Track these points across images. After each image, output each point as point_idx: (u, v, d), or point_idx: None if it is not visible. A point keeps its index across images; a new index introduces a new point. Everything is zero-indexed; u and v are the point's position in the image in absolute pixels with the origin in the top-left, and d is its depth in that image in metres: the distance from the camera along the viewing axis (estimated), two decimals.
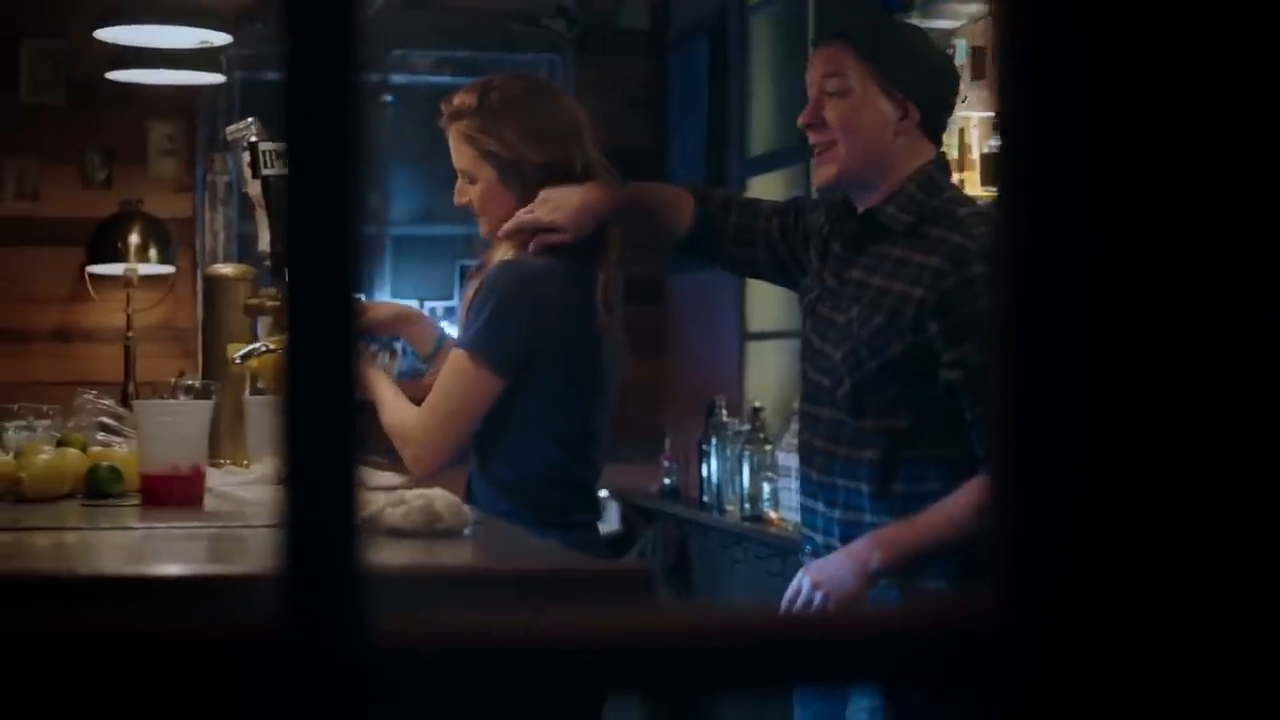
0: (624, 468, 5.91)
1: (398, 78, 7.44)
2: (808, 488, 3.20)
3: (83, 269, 6.81)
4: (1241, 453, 0.92)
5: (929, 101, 3.11)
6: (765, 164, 6.60)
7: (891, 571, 2.97)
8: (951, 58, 3.27)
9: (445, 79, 7.32)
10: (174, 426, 3.05)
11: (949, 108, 3.19)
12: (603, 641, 0.89)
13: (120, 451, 3.29)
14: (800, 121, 3.15)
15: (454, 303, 7.49)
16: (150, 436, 3.05)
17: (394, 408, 3.42)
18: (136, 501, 3.05)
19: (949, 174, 3.20)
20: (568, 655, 0.86)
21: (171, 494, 3.00)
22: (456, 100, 3.49)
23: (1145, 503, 0.92)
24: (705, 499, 6.25)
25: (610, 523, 6.68)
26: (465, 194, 3.50)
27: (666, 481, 6.81)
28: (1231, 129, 0.95)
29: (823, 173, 3.15)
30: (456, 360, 3.36)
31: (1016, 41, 0.95)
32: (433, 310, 7.45)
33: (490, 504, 3.35)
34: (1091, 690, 0.91)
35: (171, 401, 3.42)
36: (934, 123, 3.13)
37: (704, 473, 6.24)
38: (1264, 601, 0.92)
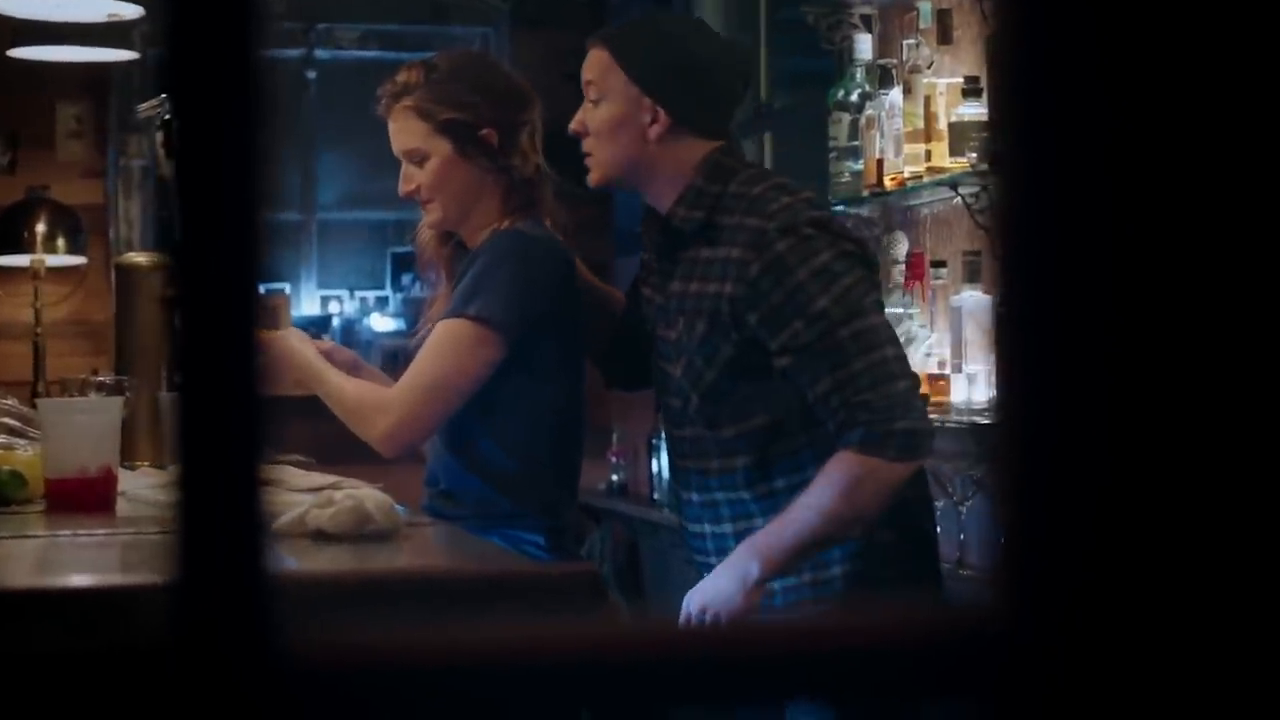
0: None
1: (321, 53, 7.40)
2: (691, 513, 3.23)
3: None
4: (1251, 459, 0.89)
5: (687, 102, 3.16)
6: None
7: (776, 574, 3.00)
8: (733, 49, 3.30)
9: (372, 53, 7.28)
10: (81, 426, 2.99)
11: (719, 104, 3.21)
12: (551, 654, 0.84)
13: (24, 454, 3.22)
14: (570, 129, 3.24)
15: (386, 292, 7.43)
16: (56, 437, 2.99)
17: (347, 382, 3.36)
18: (42, 508, 2.99)
19: (737, 156, 3.24)
20: (501, 670, 0.81)
21: (80, 499, 2.94)
22: (399, 78, 3.43)
23: (1150, 510, 0.90)
24: (656, 496, 6.21)
25: None
26: (412, 180, 3.42)
27: (615, 478, 6.78)
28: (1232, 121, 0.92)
29: (590, 178, 3.26)
30: (453, 328, 3.29)
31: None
32: (363, 300, 7.39)
33: (480, 500, 3.33)
34: (1095, 700, 0.89)
35: (78, 399, 3.36)
36: (699, 122, 3.17)
37: (654, 468, 6.20)
38: (1269, 609, 0.90)
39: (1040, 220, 0.89)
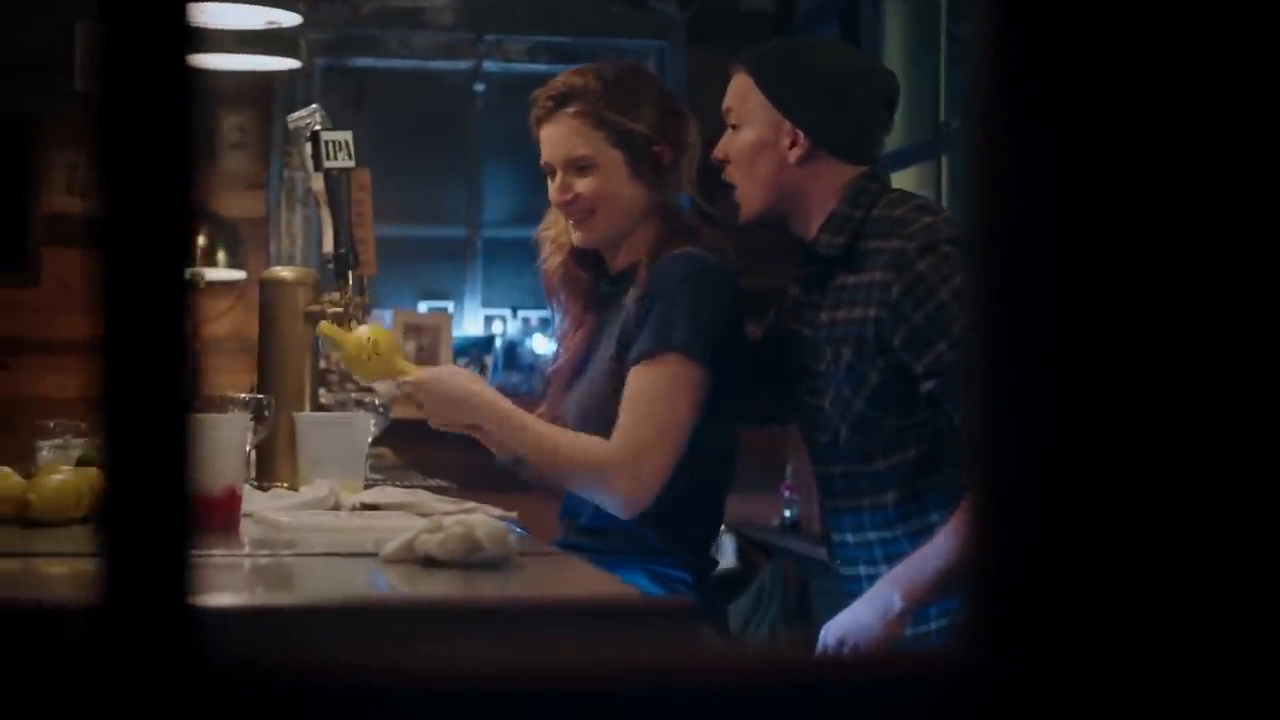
0: (740, 498, 5.82)
1: (490, 65, 7.46)
2: (845, 554, 3.23)
3: None
4: (1240, 493, 0.90)
5: (827, 124, 3.21)
6: (897, 160, 6.54)
7: (919, 607, 3.02)
8: (875, 73, 3.32)
9: (541, 66, 7.32)
10: (204, 444, 3.04)
11: (861, 127, 3.25)
12: (537, 682, 0.88)
13: None
14: (712, 156, 3.31)
15: (549, 313, 7.47)
16: None
17: (548, 430, 3.31)
18: None
19: (883, 181, 3.27)
20: (436, 695, 0.85)
21: (202, 519, 2.99)
22: (568, 81, 3.39)
23: (1134, 541, 0.91)
24: None
25: (726, 559, 6.64)
26: (570, 189, 3.37)
27: (787, 514, 6.76)
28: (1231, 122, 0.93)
29: (739, 215, 3.31)
30: (661, 368, 3.23)
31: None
32: (526, 320, 7.44)
33: (632, 538, 3.29)
34: None
35: (201, 416, 3.42)
36: (841, 145, 3.22)
37: None
38: (1257, 641, 0.92)
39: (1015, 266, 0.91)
